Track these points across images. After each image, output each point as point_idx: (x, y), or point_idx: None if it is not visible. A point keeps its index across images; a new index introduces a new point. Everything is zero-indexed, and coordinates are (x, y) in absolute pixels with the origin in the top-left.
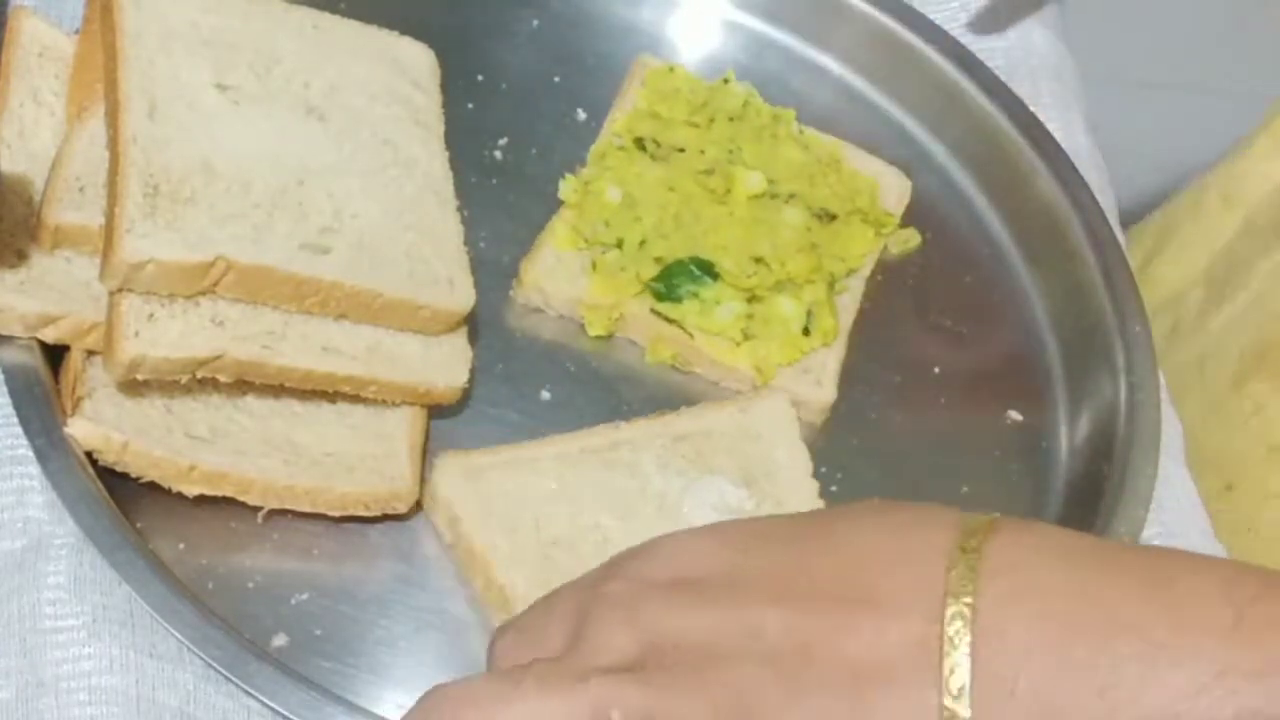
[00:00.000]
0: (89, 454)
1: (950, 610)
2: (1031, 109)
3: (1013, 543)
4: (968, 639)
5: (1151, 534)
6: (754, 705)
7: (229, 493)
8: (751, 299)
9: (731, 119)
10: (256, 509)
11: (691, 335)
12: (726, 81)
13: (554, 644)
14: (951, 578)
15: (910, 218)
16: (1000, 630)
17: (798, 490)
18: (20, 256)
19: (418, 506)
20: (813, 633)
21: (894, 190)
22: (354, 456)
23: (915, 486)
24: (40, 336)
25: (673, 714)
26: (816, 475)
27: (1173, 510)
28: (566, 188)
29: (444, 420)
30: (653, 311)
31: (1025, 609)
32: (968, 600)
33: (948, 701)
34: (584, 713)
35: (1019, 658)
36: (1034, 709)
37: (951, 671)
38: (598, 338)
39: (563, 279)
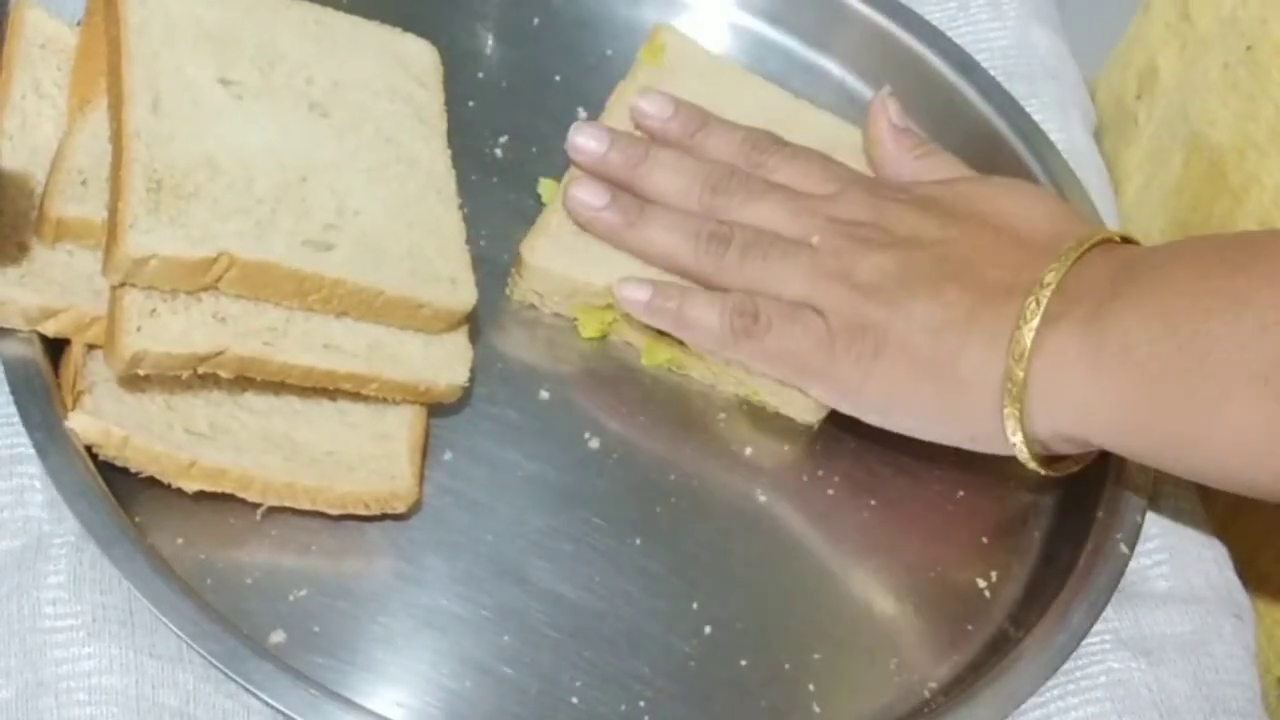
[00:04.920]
0: (89, 448)
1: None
2: (1031, 109)
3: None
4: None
5: (1150, 532)
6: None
7: (228, 489)
8: None
9: None
10: (256, 505)
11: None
12: None
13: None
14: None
15: None
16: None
17: None
18: (21, 249)
19: (417, 505)
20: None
21: None
22: (354, 455)
23: (914, 488)
24: (41, 330)
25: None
26: (815, 475)
27: (1171, 508)
28: (545, 191)
29: (443, 419)
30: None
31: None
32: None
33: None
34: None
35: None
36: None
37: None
38: (592, 339)
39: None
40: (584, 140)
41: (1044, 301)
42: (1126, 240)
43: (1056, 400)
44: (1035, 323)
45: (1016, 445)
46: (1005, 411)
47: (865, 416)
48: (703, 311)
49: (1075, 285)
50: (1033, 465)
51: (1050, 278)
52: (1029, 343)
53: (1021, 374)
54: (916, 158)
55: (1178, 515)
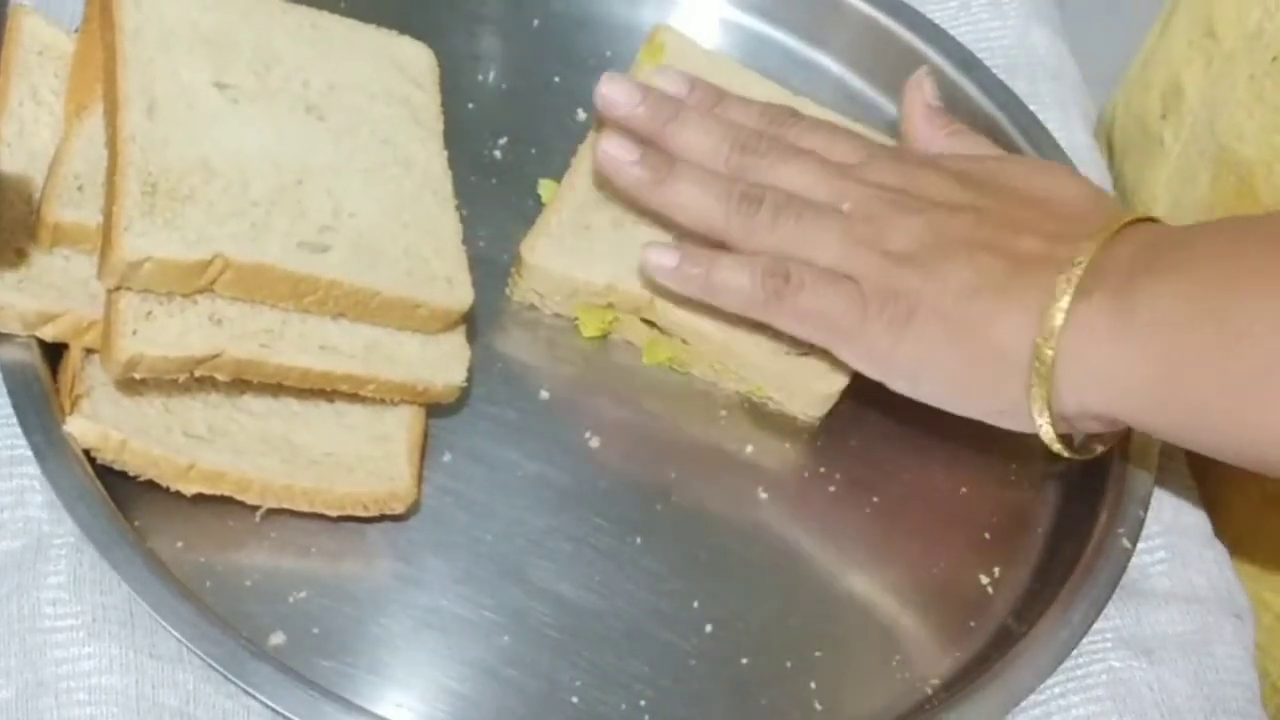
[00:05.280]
0: (87, 452)
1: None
2: (1031, 108)
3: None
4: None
5: (1151, 531)
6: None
7: (227, 492)
8: None
9: None
10: (254, 507)
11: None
12: None
13: None
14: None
15: None
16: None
17: None
18: (19, 254)
19: (416, 506)
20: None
21: None
22: (352, 456)
23: (916, 485)
24: (39, 334)
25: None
26: (816, 473)
27: (1172, 508)
28: (545, 191)
29: (442, 419)
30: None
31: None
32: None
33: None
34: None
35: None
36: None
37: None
38: (592, 338)
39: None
40: (615, 93)
41: (1075, 280)
42: (1157, 222)
43: (1084, 375)
44: (1065, 301)
45: (1041, 426)
46: (1032, 392)
47: (894, 384)
48: (732, 274)
49: (1107, 262)
50: (1056, 447)
51: (1082, 257)
52: (1059, 322)
53: (1050, 352)
54: (947, 135)
55: (1179, 514)
